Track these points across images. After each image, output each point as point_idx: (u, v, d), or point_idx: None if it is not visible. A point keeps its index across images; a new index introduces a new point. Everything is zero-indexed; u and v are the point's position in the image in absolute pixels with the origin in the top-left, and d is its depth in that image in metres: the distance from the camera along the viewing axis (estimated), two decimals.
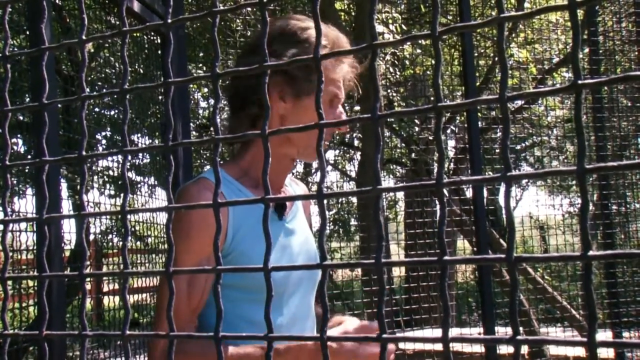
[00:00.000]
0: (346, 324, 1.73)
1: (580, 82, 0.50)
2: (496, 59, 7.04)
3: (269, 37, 1.77)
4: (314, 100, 1.78)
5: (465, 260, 0.56)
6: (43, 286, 0.77)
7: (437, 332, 6.10)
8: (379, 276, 0.59)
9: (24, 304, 3.40)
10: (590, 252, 0.50)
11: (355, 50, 0.62)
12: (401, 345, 5.76)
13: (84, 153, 0.72)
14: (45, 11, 0.72)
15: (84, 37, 0.72)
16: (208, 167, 1.88)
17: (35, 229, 2.69)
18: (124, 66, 0.70)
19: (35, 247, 2.92)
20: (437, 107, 0.56)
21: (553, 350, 6.25)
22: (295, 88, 1.75)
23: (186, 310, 1.68)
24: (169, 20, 0.68)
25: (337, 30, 1.82)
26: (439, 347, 5.56)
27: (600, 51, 5.82)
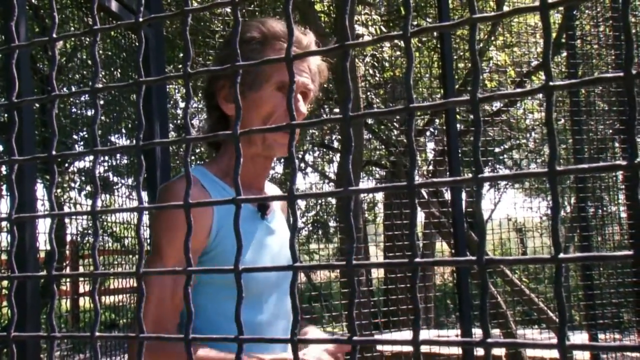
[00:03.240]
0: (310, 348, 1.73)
1: (551, 83, 0.50)
2: None
3: (225, 42, 1.84)
4: (261, 93, 1.77)
5: (436, 262, 0.55)
6: (13, 287, 0.76)
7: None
8: (350, 278, 0.58)
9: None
10: (561, 255, 0.49)
11: (328, 51, 0.62)
12: (379, 347, 5.77)
13: (54, 152, 0.71)
14: (15, 9, 0.71)
15: (54, 36, 0.71)
16: (198, 163, 1.89)
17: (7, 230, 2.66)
18: (94, 65, 0.70)
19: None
20: (409, 107, 0.55)
21: (530, 352, 6.29)
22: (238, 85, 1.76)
23: (170, 305, 1.67)
24: (141, 19, 0.67)
25: (272, 20, 1.83)
26: (423, 348, 5.56)
27: (578, 55, 5.86)
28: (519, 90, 0.52)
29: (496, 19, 0.54)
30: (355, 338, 0.57)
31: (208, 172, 1.80)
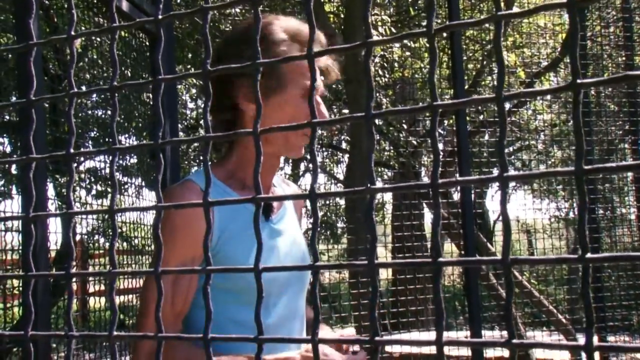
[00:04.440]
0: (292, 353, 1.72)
1: (579, 81, 0.49)
2: (484, 62, 7.06)
3: (237, 40, 1.77)
4: (285, 97, 1.76)
5: (460, 262, 0.55)
6: (29, 286, 0.75)
7: (424, 335, 6.09)
8: (372, 277, 0.58)
9: (8, 305, 3.36)
10: (588, 255, 0.49)
11: (350, 48, 0.61)
12: (387, 348, 5.76)
13: (72, 151, 0.71)
14: (33, 7, 0.71)
15: (72, 33, 0.71)
16: (195, 168, 1.85)
17: (20, 229, 2.67)
18: (113, 63, 0.69)
19: (20, 247, 2.89)
20: (433, 105, 0.55)
21: (539, 354, 6.27)
22: (262, 87, 1.73)
23: (170, 313, 1.66)
24: (160, 16, 0.67)
25: (297, 22, 1.80)
26: (425, 350, 5.56)
27: (588, 55, 5.84)
28: (545, 88, 0.51)
29: (522, 16, 0.53)
30: (377, 338, 0.56)
31: (211, 174, 1.79)
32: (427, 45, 0.56)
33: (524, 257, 0.51)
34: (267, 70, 1.69)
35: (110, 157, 0.71)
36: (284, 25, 1.76)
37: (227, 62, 1.68)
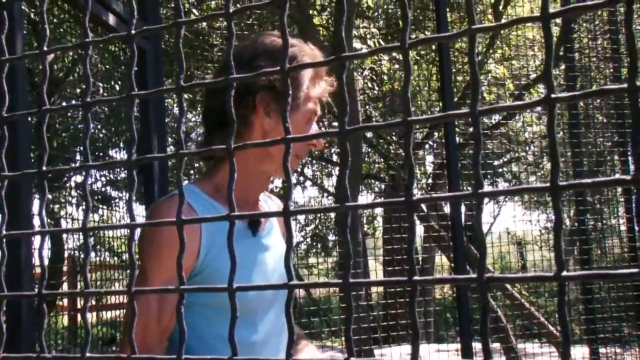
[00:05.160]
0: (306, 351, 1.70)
1: (553, 95, 0.48)
2: None
3: (254, 53, 1.75)
4: (297, 119, 1.77)
5: (436, 281, 0.54)
6: (2, 306, 0.74)
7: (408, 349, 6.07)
8: (347, 297, 0.57)
9: None
10: (564, 273, 0.48)
11: (324, 63, 0.60)
12: None
13: (44, 168, 0.70)
14: (6, 21, 0.69)
15: (45, 49, 0.70)
16: (185, 182, 1.84)
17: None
18: (85, 79, 0.68)
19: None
20: (407, 121, 0.54)
21: None
22: (281, 104, 1.74)
23: (156, 330, 1.64)
24: (133, 32, 0.66)
25: (316, 49, 1.81)
26: None
27: (576, 68, 5.87)
28: (520, 102, 0.50)
29: (495, 29, 0.53)
30: (352, 359, 0.55)
31: (198, 189, 1.77)
32: (402, 59, 0.56)
33: (500, 275, 0.50)
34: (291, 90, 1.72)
35: (85, 174, 0.69)
36: (303, 49, 1.78)
37: (242, 72, 1.68)
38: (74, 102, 6.57)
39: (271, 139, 0.61)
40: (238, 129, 1.77)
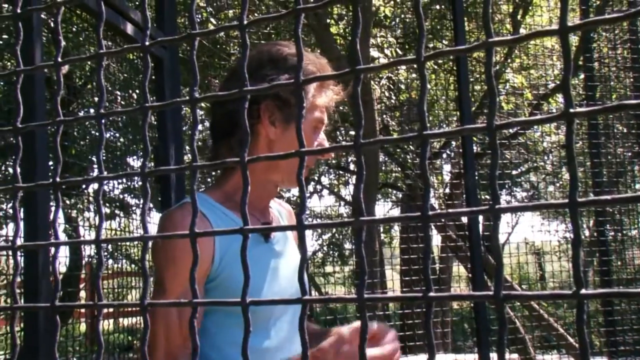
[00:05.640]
0: (341, 329, 1.69)
1: (572, 110, 0.47)
2: None
3: (259, 62, 1.75)
4: (301, 126, 1.76)
5: (452, 297, 0.53)
6: (14, 318, 0.74)
7: None
8: (362, 312, 0.56)
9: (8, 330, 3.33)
10: (583, 291, 0.47)
11: (338, 76, 0.60)
12: None
13: (58, 179, 0.70)
14: (21, 33, 0.69)
15: (59, 60, 0.70)
16: (200, 190, 1.85)
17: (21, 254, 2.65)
18: (100, 90, 0.68)
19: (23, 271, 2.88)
20: (423, 135, 0.53)
21: None
22: (286, 113, 1.74)
23: (179, 337, 1.64)
24: (147, 43, 0.66)
25: (323, 59, 1.82)
26: None
27: (596, 77, 5.83)
28: (536, 117, 0.49)
29: (513, 43, 0.52)
30: None
31: (209, 198, 1.78)
32: (419, 71, 0.55)
33: (517, 292, 0.49)
34: (290, 98, 1.72)
35: (99, 186, 0.69)
36: (311, 58, 1.78)
37: (250, 83, 1.68)
38: (92, 110, 6.61)
39: (286, 152, 0.61)
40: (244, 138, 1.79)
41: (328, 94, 1.81)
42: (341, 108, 7.47)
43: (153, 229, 3.92)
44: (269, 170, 1.77)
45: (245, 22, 0.61)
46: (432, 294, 0.52)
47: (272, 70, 1.72)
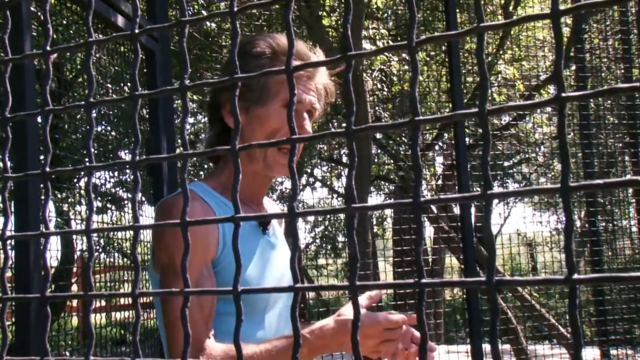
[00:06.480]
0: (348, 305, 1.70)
1: (564, 94, 0.47)
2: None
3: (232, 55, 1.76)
4: (267, 109, 1.75)
5: (444, 284, 0.53)
6: (4, 309, 0.73)
7: None
8: (354, 300, 0.56)
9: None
10: (575, 276, 0.47)
11: (330, 62, 0.59)
12: None
13: (47, 169, 0.69)
14: (8, 21, 0.69)
15: (48, 49, 0.69)
16: (196, 180, 1.85)
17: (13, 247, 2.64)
18: (89, 79, 0.67)
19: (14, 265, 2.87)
20: (414, 121, 0.53)
21: None
22: (242, 100, 1.72)
23: (201, 319, 1.64)
24: (137, 30, 0.65)
25: (300, 43, 1.79)
26: None
27: (587, 68, 5.84)
28: (529, 102, 0.49)
29: (504, 27, 0.51)
30: None
31: (207, 187, 1.78)
32: (409, 57, 0.54)
33: (509, 278, 0.49)
34: (247, 82, 1.68)
35: (91, 176, 0.69)
36: (270, 41, 1.76)
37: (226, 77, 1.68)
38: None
39: (277, 140, 0.60)
40: (221, 129, 1.80)
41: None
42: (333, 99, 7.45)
43: (144, 221, 3.91)
44: (250, 161, 1.77)
45: (236, 9, 0.61)
46: (424, 280, 0.52)
47: (240, 61, 1.73)
